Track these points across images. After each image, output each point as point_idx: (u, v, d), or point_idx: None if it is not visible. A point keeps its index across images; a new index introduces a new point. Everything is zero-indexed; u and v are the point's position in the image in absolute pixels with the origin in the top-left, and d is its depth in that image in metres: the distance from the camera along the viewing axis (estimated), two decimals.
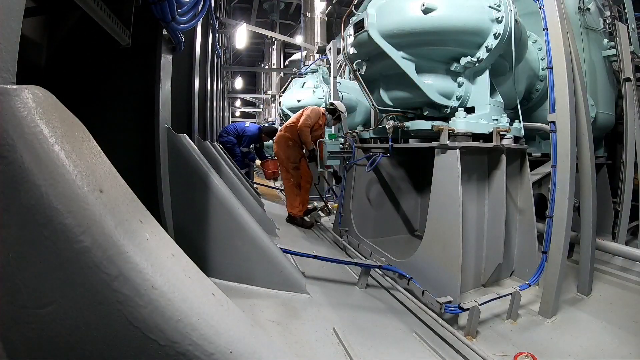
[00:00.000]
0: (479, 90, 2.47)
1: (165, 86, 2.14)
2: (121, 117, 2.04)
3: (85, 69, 1.88)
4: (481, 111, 2.42)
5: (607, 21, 3.54)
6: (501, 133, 2.29)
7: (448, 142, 2.17)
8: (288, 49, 14.45)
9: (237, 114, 21.17)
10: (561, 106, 2.10)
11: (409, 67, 2.43)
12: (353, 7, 2.63)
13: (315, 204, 4.61)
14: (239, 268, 1.99)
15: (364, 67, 2.73)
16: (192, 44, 3.33)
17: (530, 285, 2.21)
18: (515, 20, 2.33)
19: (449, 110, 2.54)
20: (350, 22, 2.67)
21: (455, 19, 2.24)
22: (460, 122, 2.27)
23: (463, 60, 2.37)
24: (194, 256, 0.92)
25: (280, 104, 6.70)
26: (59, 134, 0.71)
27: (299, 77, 6.96)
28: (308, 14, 9.16)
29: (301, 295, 1.97)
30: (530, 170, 2.59)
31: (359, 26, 2.47)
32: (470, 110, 2.46)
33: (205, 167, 2.08)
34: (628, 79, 3.15)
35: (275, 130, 5.90)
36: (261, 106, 16.51)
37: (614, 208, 3.39)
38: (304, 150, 3.84)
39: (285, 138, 3.86)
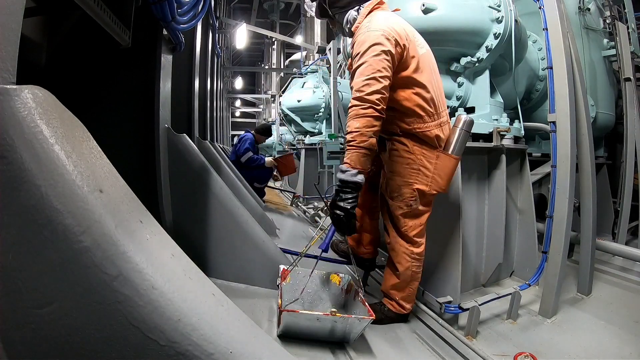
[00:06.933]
0: (479, 90, 2.47)
1: (165, 86, 2.14)
2: (121, 117, 2.04)
3: (85, 69, 1.88)
4: (481, 111, 2.41)
5: (607, 21, 3.54)
6: (501, 133, 2.29)
7: None
8: (288, 49, 14.46)
9: (237, 114, 21.17)
10: (561, 106, 2.10)
11: None
12: None
13: (316, 204, 4.61)
14: (239, 268, 1.98)
15: None
16: (192, 44, 3.32)
17: (530, 285, 2.20)
18: (515, 20, 2.33)
19: (449, 110, 2.54)
20: None
21: (455, 19, 2.24)
22: None
23: (463, 60, 2.36)
24: (194, 256, 0.92)
25: (280, 104, 6.70)
26: (59, 134, 0.71)
27: (299, 77, 6.97)
28: (308, 14, 9.16)
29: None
30: (530, 170, 2.59)
31: None
32: (470, 110, 2.46)
33: (205, 168, 2.08)
34: (628, 79, 3.15)
35: (269, 127, 5.00)
36: (261, 106, 16.53)
37: (614, 208, 3.39)
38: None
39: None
